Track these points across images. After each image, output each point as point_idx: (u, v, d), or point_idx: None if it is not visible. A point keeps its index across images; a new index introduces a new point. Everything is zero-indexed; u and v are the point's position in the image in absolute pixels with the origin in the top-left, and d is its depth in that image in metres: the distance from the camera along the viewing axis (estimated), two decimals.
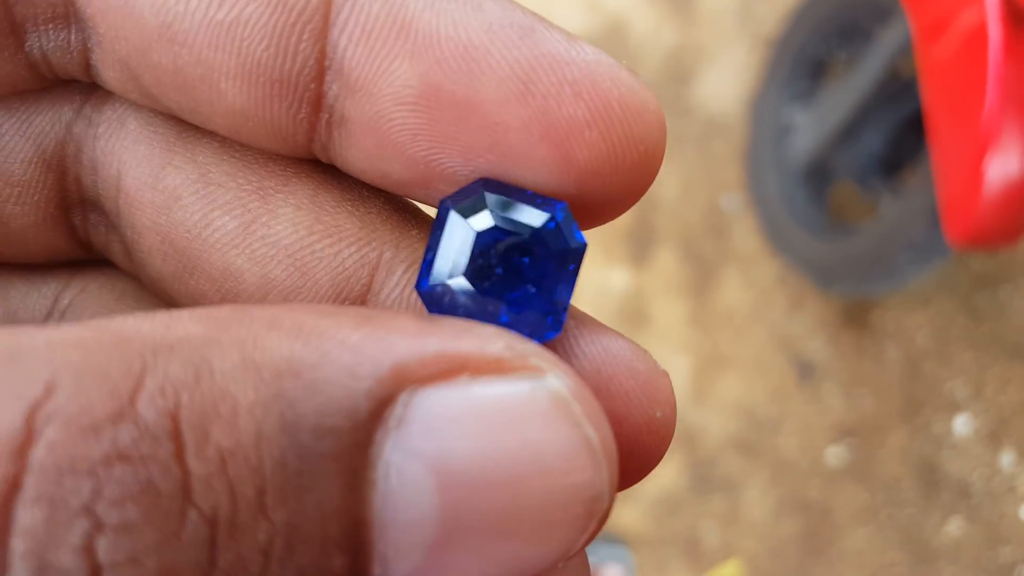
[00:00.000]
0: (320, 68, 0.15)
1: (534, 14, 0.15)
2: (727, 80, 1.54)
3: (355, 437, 0.12)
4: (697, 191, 1.51)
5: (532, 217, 0.15)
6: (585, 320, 0.17)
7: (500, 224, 0.15)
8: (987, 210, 0.92)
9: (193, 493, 0.11)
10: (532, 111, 0.15)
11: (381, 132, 0.15)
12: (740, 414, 1.38)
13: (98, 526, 0.10)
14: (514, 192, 0.16)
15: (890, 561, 1.25)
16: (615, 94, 0.15)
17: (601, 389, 0.16)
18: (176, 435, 0.11)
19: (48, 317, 0.19)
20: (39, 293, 0.19)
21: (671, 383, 0.17)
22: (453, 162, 0.15)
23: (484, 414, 0.12)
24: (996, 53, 0.88)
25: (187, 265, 0.17)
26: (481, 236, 0.15)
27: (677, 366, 1.40)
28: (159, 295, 0.19)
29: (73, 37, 0.16)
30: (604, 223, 0.17)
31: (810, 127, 1.30)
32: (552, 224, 0.15)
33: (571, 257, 0.16)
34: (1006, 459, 1.22)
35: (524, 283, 0.16)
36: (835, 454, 1.33)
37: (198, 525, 0.11)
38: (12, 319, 0.19)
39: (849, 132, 1.24)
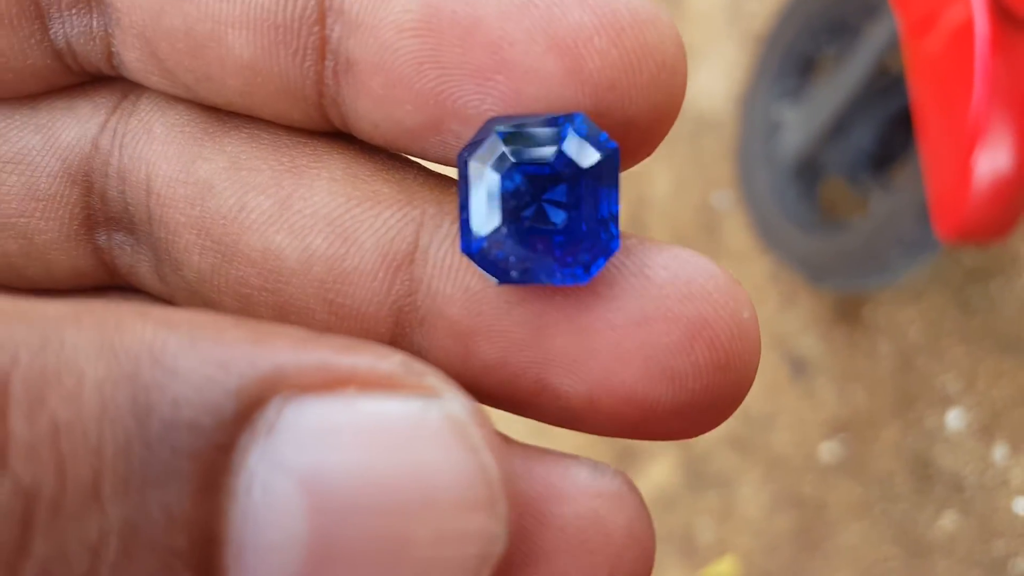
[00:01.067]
0: (321, 10, 0.15)
1: None
2: (717, 78, 1.55)
3: (215, 437, 0.10)
4: (688, 189, 1.52)
5: (550, 138, 0.14)
6: (645, 239, 0.16)
7: (520, 158, 0.14)
8: (976, 205, 0.92)
9: (10, 457, 0.09)
10: (535, 20, 0.14)
11: (386, 67, 0.15)
12: None
13: None
14: (528, 120, 0.15)
15: (884, 556, 1.25)
16: (623, 1, 0.14)
17: (682, 294, 0.15)
18: (4, 392, 0.10)
19: None
20: None
21: (746, 290, 0.16)
22: (462, 91, 0.15)
23: (368, 430, 0.11)
24: (983, 48, 0.88)
25: (226, 253, 0.17)
26: (505, 177, 0.15)
27: None
28: (195, 303, 0.18)
29: (95, 22, 0.16)
30: (635, 161, 0.16)
31: (800, 124, 1.30)
32: (572, 136, 0.14)
33: (604, 165, 0.15)
34: (999, 452, 1.23)
35: (566, 208, 0.15)
36: (828, 450, 1.33)
37: (12, 497, 0.09)
38: None
39: (838, 128, 1.24)
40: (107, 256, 0.18)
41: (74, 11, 0.16)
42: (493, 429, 0.12)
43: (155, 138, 0.17)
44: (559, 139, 0.14)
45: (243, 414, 0.10)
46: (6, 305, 0.10)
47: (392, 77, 0.15)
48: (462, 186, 0.15)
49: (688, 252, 0.16)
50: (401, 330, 0.16)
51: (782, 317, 1.41)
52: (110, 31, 0.17)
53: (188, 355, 0.10)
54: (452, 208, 0.16)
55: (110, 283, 0.19)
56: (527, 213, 0.15)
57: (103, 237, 0.18)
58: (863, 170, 1.26)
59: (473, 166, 0.15)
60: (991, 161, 0.90)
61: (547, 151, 0.14)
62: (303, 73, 0.16)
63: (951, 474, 1.24)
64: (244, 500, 0.10)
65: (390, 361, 0.12)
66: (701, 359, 0.15)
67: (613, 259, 0.16)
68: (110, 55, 0.17)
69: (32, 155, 0.17)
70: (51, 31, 0.17)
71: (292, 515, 0.10)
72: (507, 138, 0.14)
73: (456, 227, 0.16)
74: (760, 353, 0.16)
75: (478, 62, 0.15)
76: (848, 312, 1.37)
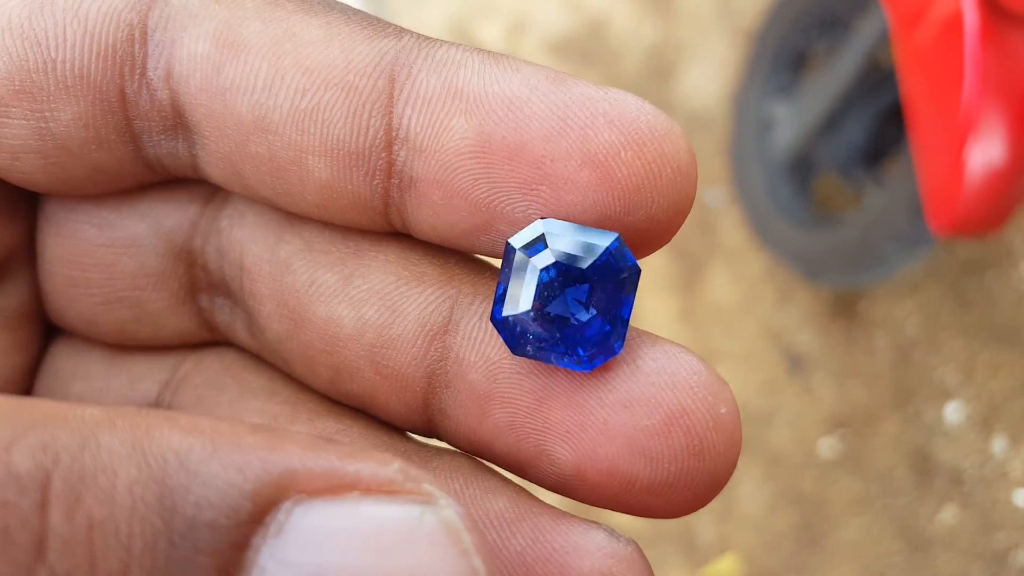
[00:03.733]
0: (388, 139, 0.18)
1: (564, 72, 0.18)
2: (708, 75, 1.55)
3: (231, 537, 0.12)
4: None
5: (589, 247, 0.17)
6: (642, 332, 0.18)
7: (560, 256, 0.17)
8: (969, 198, 0.92)
9: (48, 550, 0.10)
10: (572, 141, 0.17)
11: (446, 184, 0.18)
12: None
13: None
14: (572, 227, 0.17)
15: (886, 550, 1.25)
16: (644, 120, 0.17)
17: (666, 384, 0.17)
18: (45, 489, 0.11)
19: (164, 387, 0.22)
20: (159, 367, 0.22)
21: (731, 390, 0.18)
22: (511, 200, 0.17)
23: (369, 533, 0.12)
24: (973, 41, 0.88)
25: (297, 321, 0.20)
26: (544, 268, 0.17)
27: None
28: (276, 361, 0.21)
29: (180, 145, 0.19)
30: (656, 248, 0.18)
31: (792, 120, 1.30)
32: (608, 251, 0.17)
33: (628, 279, 0.18)
34: (998, 445, 1.23)
35: (587, 307, 0.17)
36: (828, 445, 1.33)
37: None
38: (130, 389, 0.22)
39: (831, 124, 1.24)
40: (208, 316, 0.21)
41: (163, 137, 0.19)
42: (484, 534, 0.13)
43: (247, 224, 0.20)
44: (597, 251, 0.17)
45: (257, 515, 0.12)
46: (49, 409, 0.12)
47: (451, 191, 0.18)
48: (504, 267, 0.18)
49: (678, 348, 0.18)
50: (432, 390, 0.19)
51: (779, 313, 1.41)
52: (195, 153, 0.19)
53: (210, 460, 0.12)
54: (484, 289, 0.19)
55: (211, 340, 0.22)
56: (555, 304, 0.17)
57: (205, 300, 0.21)
58: (856, 165, 1.25)
59: (519, 252, 0.17)
60: (983, 153, 0.90)
61: (585, 258, 0.17)
62: (372, 190, 0.18)
63: (951, 467, 1.24)
64: None
65: (390, 468, 0.13)
66: (677, 444, 0.17)
67: None
68: (196, 168, 0.19)
69: (141, 240, 0.20)
70: (143, 151, 0.19)
71: None
72: (553, 237, 0.17)
73: (484, 305, 0.19)
74: (740, 448, 0.18)
75: (525, 176, 0.17)
76: (844, 307, 1.37)
